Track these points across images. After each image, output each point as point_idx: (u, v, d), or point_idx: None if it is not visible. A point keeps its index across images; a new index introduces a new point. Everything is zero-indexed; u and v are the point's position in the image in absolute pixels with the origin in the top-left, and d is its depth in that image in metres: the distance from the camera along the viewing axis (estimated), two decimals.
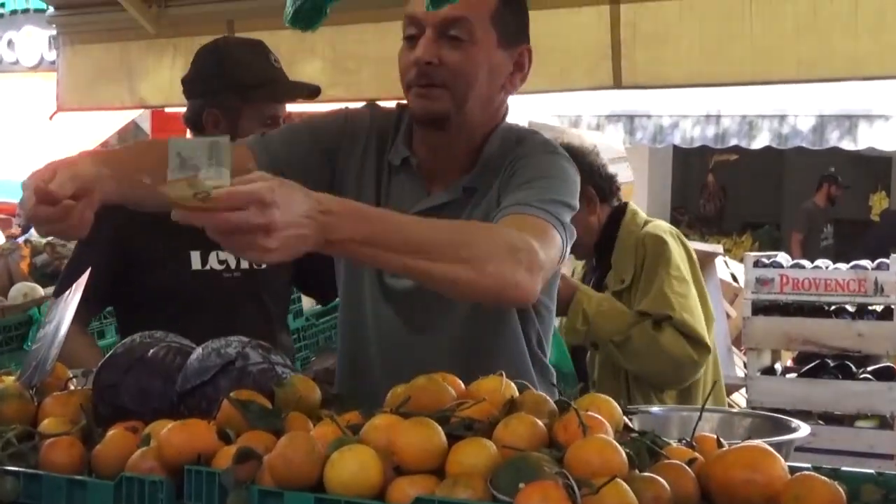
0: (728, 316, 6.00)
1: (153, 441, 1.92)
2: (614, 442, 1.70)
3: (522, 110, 8.34)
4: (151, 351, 2.34)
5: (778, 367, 6.05)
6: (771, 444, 1.96)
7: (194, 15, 4.68)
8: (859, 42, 3.61)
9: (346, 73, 4.55)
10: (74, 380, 2.49)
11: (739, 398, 5.81)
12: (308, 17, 2.36)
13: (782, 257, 6.00)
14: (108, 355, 2.42)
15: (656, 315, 3.66)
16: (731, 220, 14.70)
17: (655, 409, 2.67)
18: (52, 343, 2.52)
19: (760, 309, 5.71)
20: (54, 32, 5.36)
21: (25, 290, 4.73)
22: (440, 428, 1.76)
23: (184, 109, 3.42)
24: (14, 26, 15.21)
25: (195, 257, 3.29)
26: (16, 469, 1.95)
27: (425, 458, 1.72)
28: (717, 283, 5.82)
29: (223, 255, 3.26)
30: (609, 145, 7.12)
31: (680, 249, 3.87)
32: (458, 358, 2.45)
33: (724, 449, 1.84)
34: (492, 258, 2.09)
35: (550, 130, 7.41)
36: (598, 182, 3.89)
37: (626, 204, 4.06)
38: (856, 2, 3.59)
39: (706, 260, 5.84)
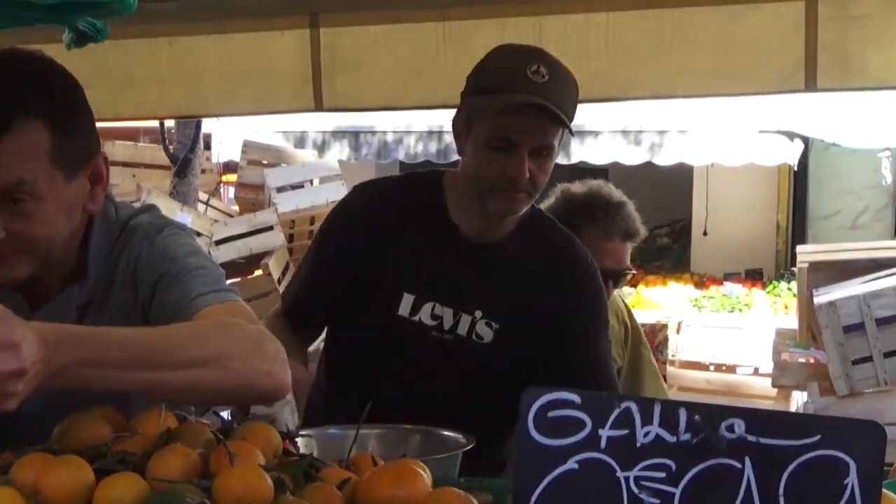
0: None
1: None
2: (259, 469, 1.70)
3: (240, 129, 8.35)
4: None
5: None
6: (426, 461, 2.05)
7: None
8: None
9: None
10: None
11: None
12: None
13: None
14: None
15: None
16: None
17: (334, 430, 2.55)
18: None
19: None
20: None
21: None
22: (88, 464, 1.71)
23: None
24: None
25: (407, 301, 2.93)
26: None
27: (72, 495, 1.67)
28: None
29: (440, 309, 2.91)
30: (324, 164, 7.23)
31: None
32: None
33: (378, 468, 1.87)
34: (236, 353, 1.95)
35: (269, 151, 7.47)
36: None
37: None
38: (539, 34, 3.77)
39: None
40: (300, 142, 10.44)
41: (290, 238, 6.56)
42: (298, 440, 2.33)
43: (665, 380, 6.19)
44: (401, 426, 2.62)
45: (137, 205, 2.33)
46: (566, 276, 2.97)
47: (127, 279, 2.18)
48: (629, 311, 3.76)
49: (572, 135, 2.86)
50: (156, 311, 2.13)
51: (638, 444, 1.12)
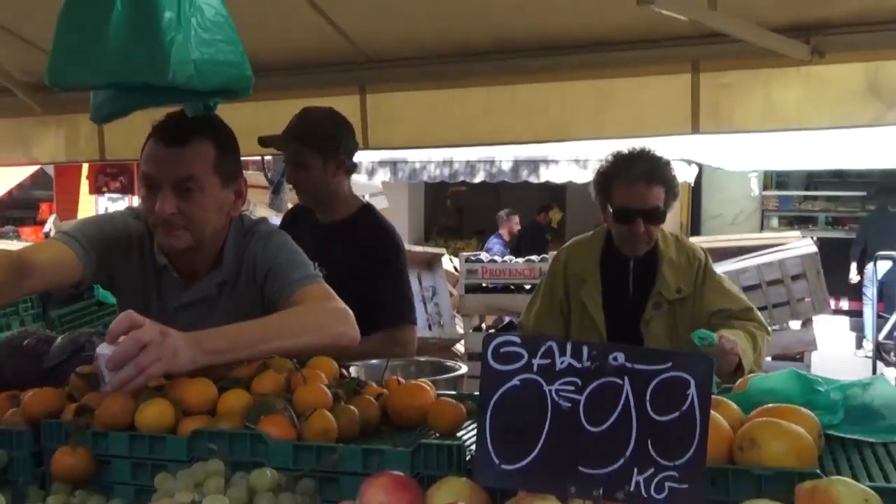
0: (451, 294, 6.13)
1: (21, 403, 1.83)
2: (323, 386, 1.73)
3: None
4: (26, 340, 2.28)
5: (483, 326, 6.07)
6: (434, 380, 2.10)
7: (68, 99, 4.49)
8: (520, 119, 3.85)
9: None
10: None
11: (460, 347, 5.89)
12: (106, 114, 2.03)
13: (484, 256, 6.00)
14: None
15: (738, 309, 2.92)
16: (465, 229, 14.98)
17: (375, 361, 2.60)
18: None
19: (471, 289, 5.66)
20: None
21: None
22: (213, 384, 1.75)
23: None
24: None
25: None
26: None
27: (202, 403, 1.71)
28: (443, 273, 5.95)
29: None
30: (371, 183, 7.24)
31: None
32: None
33: (400, 386, 1.90)
34: (322, 324, 2.03)
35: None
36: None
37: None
38: (514, 97, 3.82)
39: (435, 258, 5.98)
40: (357, 167, 10.44)
41: None
42: (351, 367, 2.40)
43: None
44: (419, 359, 2.69)
45: (250, 215, 2.37)
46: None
47: (248, 268, 2.20)
48: (706, 257, 3.13)
49: None
50: (268, 292, 2.16)
51: (557, 368, 1.14)
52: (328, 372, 1.91)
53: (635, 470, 1.11)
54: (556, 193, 13.93)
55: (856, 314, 10.26)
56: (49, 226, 7.30)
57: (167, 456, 1.61)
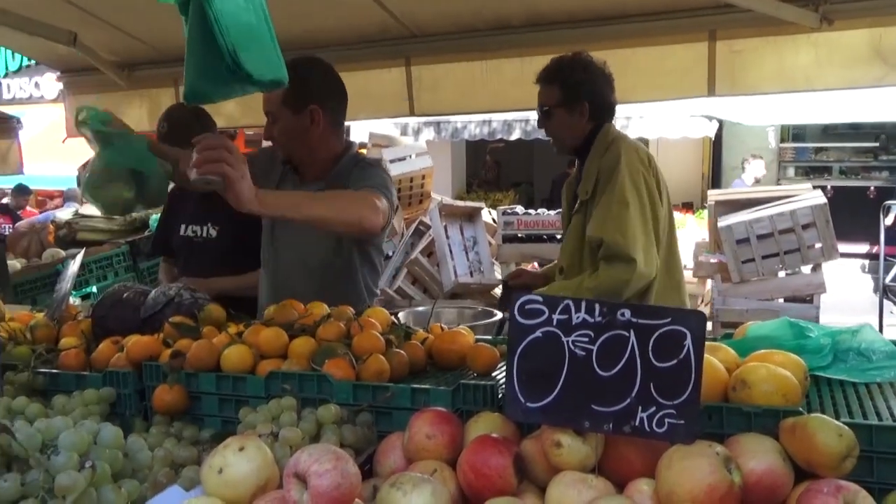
0: (490, 243, 6.16)
1: (125, 348, 1.96)
2: (377, 333, 1.83)
3: (368, 125, 8.38)
4: (125, 294, 2.37)
5: None
6: (474, 326, 2.19)
7: (149, 76, 4.61)
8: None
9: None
10: (81, 313, 2.48)
11: (498, 291, 5.93)
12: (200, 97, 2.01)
13: (519, 209, 6.01)
14: (100, 297, 2.38)
15: (593, 240, 2.64)
16: (504, 181, 14.91)
17: (422, 308, 2.66)
18: (65, 291, 2.57)
19: (507, 239, 5.70)
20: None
21: (53, 253, 4.63)
22: (284, 332, 1.85)
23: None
24: (38, 73, 14.51)
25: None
26: (45, 370, 1.97)
27: (275, 348, 1.82)
28: (482, 225, 5.98)
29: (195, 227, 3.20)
30: (416, 144, 7.26)
31: (635, 174, 2.65)
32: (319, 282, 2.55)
33: (443, 332, 1.98)
34: (347, 205, 2.24)
35: (384, 137, 7.53)
36: (594, 99, 2.76)
37: (607, 124, 2.84)
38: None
39: (475, 211, 6.01)
40: (404, 128, 10.44)
41: (399, 191, 6.64)
42: (400, 314, 2.50)
43: None
44: (462, 304, 2.76)
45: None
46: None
47: (346, 184, 2.46)
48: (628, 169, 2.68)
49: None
50: None
51: (573, 323, 1.21)
52: (382, 320, 2.01)
53: (640, 408, 1.19)
54: None
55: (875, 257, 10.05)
56: None
57: (248, 393, 1.72)
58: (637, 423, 1.19)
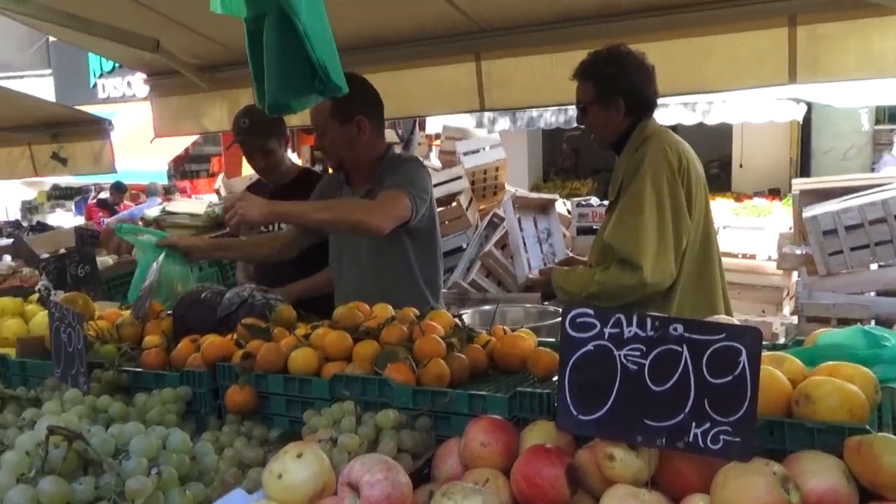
0: (564, 235, 6.12)
1: (201, 348, 2.03)
2: (437, 338, 1.85)
3: (442, 119, 8.41)
4: (203, 294, 2.47)
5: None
6: (537, 327, 2.18)
7: (229, 78, 4.76)
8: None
9: None
10: (164, 312, 2.55)
11: None
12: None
13: (594, 200, 5.96)
14: (180, 298, 2.48)
15: (607, 244, 2.62)
16: (582, 169, 14.66)
17: (486, 307, 2.68)
18: (148, 291, 2.68)
19: (582, 231, 5.69)
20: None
21: None
22: (349, 334, 1.90)
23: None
24: (130, 72, 15.16)
25: None
26: (128, 368, 2.07)
27: (340, 350, 1.87)
28: (556, 217, 5.92)
29: None
30: (489, 137, 7.25)
31: (657, 180, 2.56)
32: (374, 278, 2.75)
33: (505, 335, 1.99)
34: (348, 211, 2.55)
35: (457, 130, 7.54)
36: (629, 95, 2.68)
37: (645, 119, 2.74)
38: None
39: (549, 203, 5.95)
40: (479, 118, 10.40)
41: (472, 184, 6.66)
42: (465, 315, 2.52)
43: None
44: (526, 305, 2.75)
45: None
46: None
47: (386, 182, 2.68)
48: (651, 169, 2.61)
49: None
50: None
51: (625, 337, 1.20)
52: (444, 323, 2.03)
53: (693, 424, 1.17)
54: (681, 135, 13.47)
55: None
56: (219, 183, 7.78)
57: (313, 395, 1.78)
58: (691, 439, 1.17)
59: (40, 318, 2.66)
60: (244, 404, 1.84)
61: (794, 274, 5.72)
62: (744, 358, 1.14)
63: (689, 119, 9.93)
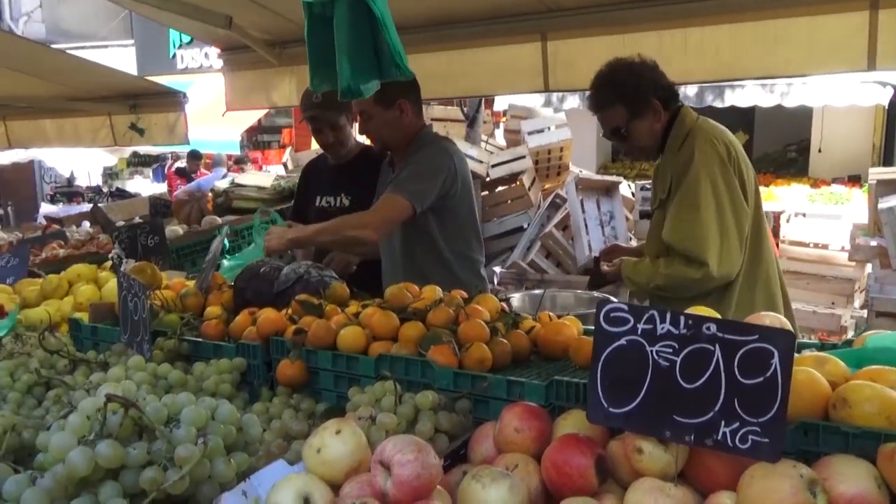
0: (627, 218, 6.06)
1: (257, 322, 2.12)
2: (481, 322, 1.88)
3: (509, 98, 8.33)
4: (262, 268, 2.56)
5: None
6: (585, 315, 2.19)
7: (298, 53, 4.83)
8: (690, 60, 3.69)
9: None
10: (226, 284, 2.64)
11: None
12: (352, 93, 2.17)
13: None
14: (241, 271, 2.56)
15: (667, 244, 2.61)
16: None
17: (536, 291, 2.69)
18: (211, 263, 2.80)
19: (645, 214, 5.57)
20: None
21: (210, 220, 5.01)
22: (396, 315, 1.95)
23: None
24: (207, 44, 15.45)
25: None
26: (189, 338, 2.16)
27: (388, 331, 1.92)
28: (620, 200, 5.87)
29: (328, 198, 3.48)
30: (555, 117, 7.18)
31: (710, 172, 2.55)
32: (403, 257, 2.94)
33: (550, 321, 2.01)
34: (344, 230, 2.77)
35: (523, 109, 7.50)
36: (659, 93, 2.72)
37: (680, 106, 2.78)
38: (685, 39, 3.66)
39: (613, 186, 5.90)
40: (548, 97, 10.26)
41: (536, 163, 6.64)
42: (513, 299, 2.54)
43: (778, 252, 5.89)
44: (579, 291, 2.75)
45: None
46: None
47: (401, 172, 2.85)
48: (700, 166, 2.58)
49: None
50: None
51: (658, 333, 1.20)
52: (490, 307, 2.06)
53: (723, 422, 1.17)
54: (743, 117, 13.02)
55: None
56: (286, 156, 7.96)
57: (359, 372, 1.84)
58: (719, 437, 1.18)
59: (112, 285, 2.81)
60: (294, 378, 1.91)
61: (868, 266, 5.52)
62: (776, 360, 1.13)
63: (766, 101, 9.61)
